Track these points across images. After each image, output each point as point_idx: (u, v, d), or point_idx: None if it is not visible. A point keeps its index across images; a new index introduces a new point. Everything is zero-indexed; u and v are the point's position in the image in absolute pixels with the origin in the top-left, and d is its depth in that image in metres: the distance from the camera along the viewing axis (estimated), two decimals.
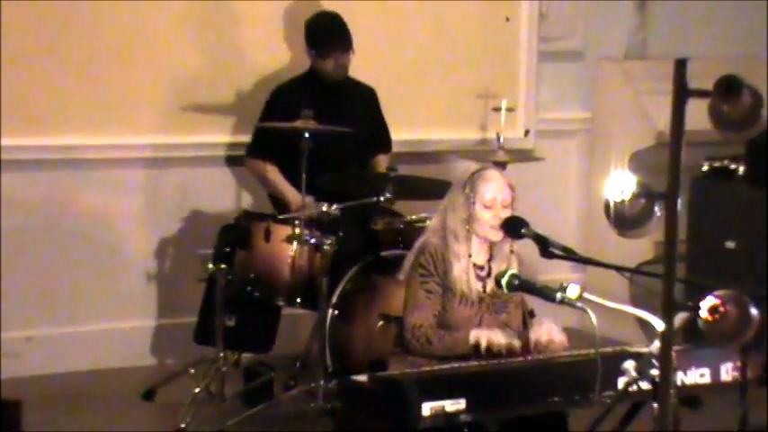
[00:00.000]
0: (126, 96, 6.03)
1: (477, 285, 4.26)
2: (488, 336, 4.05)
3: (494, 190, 4.21)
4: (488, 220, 4.20)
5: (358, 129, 5.61)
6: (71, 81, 5.92)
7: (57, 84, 5.89)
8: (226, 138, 6.22)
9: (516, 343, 4.07)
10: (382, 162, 5.89)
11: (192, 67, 6.14)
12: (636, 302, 5.29)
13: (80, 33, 5.90)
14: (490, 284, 4.25)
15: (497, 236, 4.22)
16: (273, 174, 5.70)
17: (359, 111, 5.86)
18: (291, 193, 5.57)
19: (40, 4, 5.81)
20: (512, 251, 4.28)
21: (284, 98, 5.71)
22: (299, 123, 5.23)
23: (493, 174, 4.29)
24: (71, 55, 5.90)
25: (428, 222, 4.45)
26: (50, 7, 5.83)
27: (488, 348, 4.03)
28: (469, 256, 4.25)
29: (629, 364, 3.43)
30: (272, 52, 6.25)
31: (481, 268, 4.28)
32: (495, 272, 4.22)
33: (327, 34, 5.76)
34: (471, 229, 4.22)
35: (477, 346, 4.06)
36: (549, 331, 4.13)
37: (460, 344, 4.09)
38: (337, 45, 5.73)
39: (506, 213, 4.21)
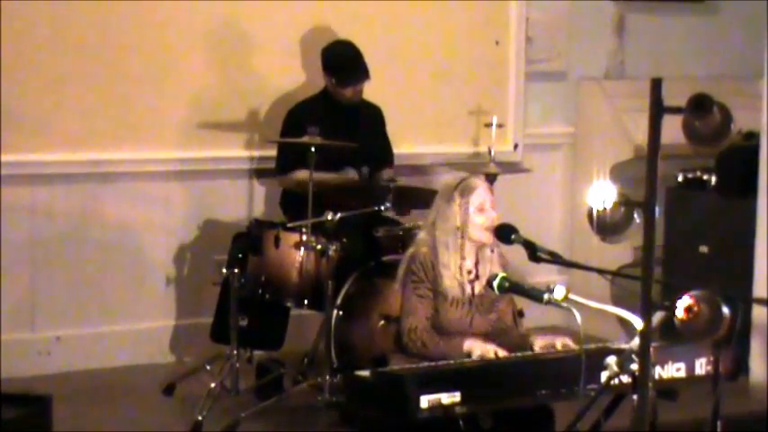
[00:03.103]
0: (149, 115, 6.02)
1: (468, 288, 4.25)
2: (482, 348, 4.04)
3: (482, 195, 4.24)
4: (483, 223, 4.21)
5: (365, 144, 5.60)
6: (99, 102, 5.91)
7: (86, 104, 5.89)
8: (240, 153, 6.21)
9: (503, 353, 4.05)
10: (385, 175, 5.88)
11: (209, 88, 6.13)
12: (617, 302, 5.25)
13: (109, 58, 5.89)
14: (479, 286, 4.25)
15: (490, 237, 4.22)
16: (304, 174, 5.48)
17: (366, 128, 5.86)
18: (331, 176, 5.52)
19: (72, 32, 5.80)
20: (492, 251, 4.28)
21: (298, 117, 5.70)
22: (305, 139, 5.22)
23: (476, 181, 4.32)
24: (99, 78, 5.89)
25: (419, 235, 4.40)
26: (81, 34, 5.82)
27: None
28: (463, 259, 4.23)
29: (611, 360, 3.41)
30: (285, 74, 6.24)
31: (469, 272, 4.26)
32: (482, 274, 4.22)
33: (349, 66, 5.74)
34: (466, 234, 4.21)
35: (470, 355, 4.04)
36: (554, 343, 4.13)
37: (455, 351, 4.07)
38: (358, 77, 5.72)
39: (494, 214, 4.23)
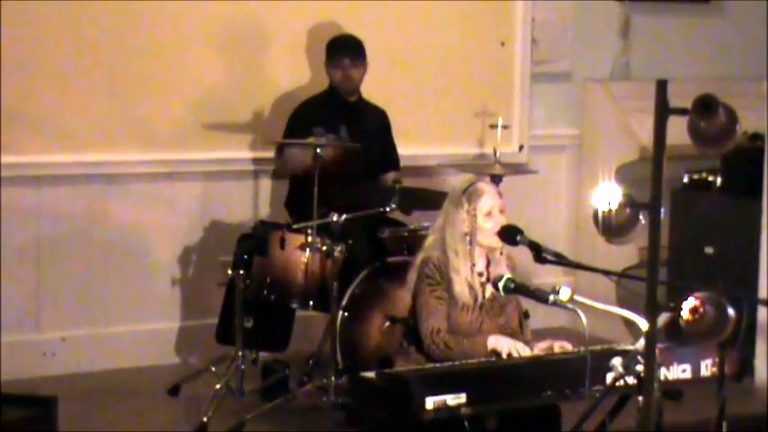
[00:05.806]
0: (153, 116, 6.03)
1: (478, 292, 4.24)
2: (508, 346, 4.03)
3: (490, 200, 4.20)
4: (491, 229, 4.18)
5: (369, 147, 5.61)
6: (104, 103, 5.92)
7: (91, 105, 5.90)
8: (246, 154, 6.22)
9: (529, 351, 4.05)
10: (390, 177, 5.88)
11: (215, 89, 6.14)
12: (622, 304, 5.25)
13: (113, 58, 5.90)
14: (489, 289, 4.23)
15: (499, 242, 4.20)
16: (298, 153, 5.51)
17: (371, 130, 5.86)
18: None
19: (75, 32, 5.82)
20: (501, 253, 4.25)
21: (302, 117, 5.71)
22: (310, 140, 5.23)
23: (484, 186, 4.28)
24: (104, 78, 5.90)
25: (428, 239, 4.35)
26: (85, 34, 5.84)
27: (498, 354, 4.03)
28: (473, 265, 4.21)
29: (617, 361, 3.42)
30: (291, 72, 6.25)
31: (480, 275, 4.25)
32: (493, 276, 4.20)
33: (341, 44, 5.81)
34: (474, 240, 4.19)
35: (494, 352, 4.03)
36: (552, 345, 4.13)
37: (478, 349, 4.05)
38: (346, 52, 5.75)
39: (503, 218, 4.21)
